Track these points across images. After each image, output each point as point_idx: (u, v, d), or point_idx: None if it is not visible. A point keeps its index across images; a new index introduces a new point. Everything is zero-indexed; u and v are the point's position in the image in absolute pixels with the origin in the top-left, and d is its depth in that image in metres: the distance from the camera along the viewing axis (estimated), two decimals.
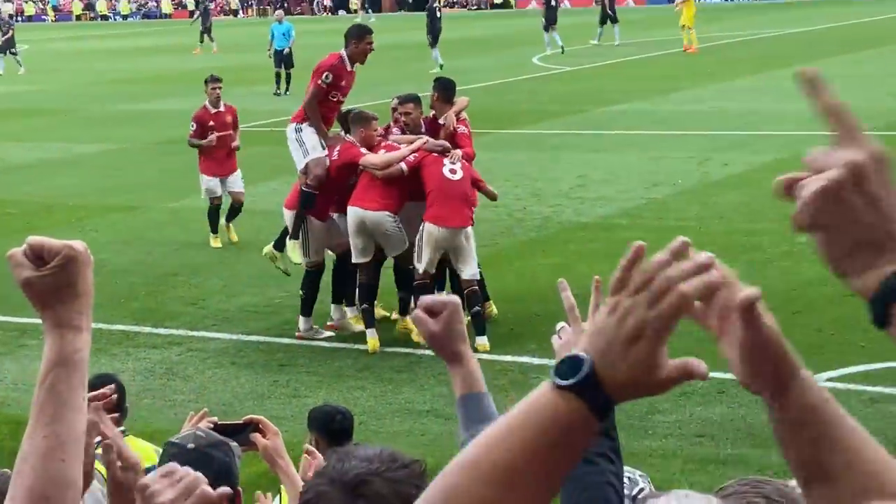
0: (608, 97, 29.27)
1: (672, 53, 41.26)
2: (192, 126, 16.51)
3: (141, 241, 16.58)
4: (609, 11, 44.72)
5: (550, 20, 43.00)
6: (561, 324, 2.91)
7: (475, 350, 11.26)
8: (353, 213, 11.63)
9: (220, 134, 16.35)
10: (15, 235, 17.08)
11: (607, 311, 1.55)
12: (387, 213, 11.59)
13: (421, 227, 11.52)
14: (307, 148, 12.10)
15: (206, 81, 16.97)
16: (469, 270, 11.59)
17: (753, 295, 1.58)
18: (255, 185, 19.84)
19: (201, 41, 51.65)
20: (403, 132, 12.04)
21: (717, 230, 15.47)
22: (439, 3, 43.58)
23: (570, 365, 1.54)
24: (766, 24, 53.34)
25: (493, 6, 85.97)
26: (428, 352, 11.59)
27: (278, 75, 34.09)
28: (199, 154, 16.59)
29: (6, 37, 45.98)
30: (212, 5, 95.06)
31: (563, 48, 41.88)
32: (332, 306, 12.24)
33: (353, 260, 11.80)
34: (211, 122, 16.44)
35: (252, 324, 12.65)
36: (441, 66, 36.93)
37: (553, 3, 43.80)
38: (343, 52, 12.63)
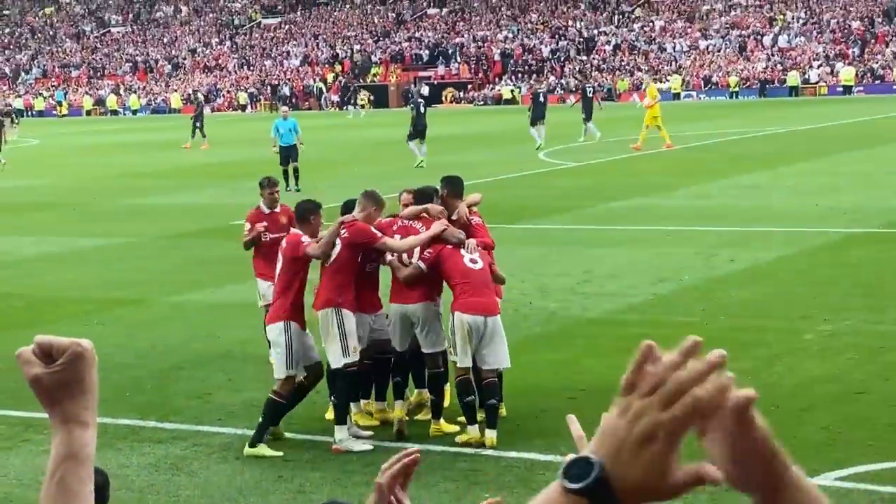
0: (614, 192, 29.38)
1: (678, 149, 41.49)
2: (246, 226, 15.15)
3: (146, 335, 16.56)
4: (584, 111, 46.55)
5: (537, 116, 43.95)
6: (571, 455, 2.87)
7: (483, 444, 11.26)
8: (396, 309, 11.79)
9: (274, 236, 14.68)
10: (21, 329, 17.12)
11: (618, 413, 1.53)
12: (427, 303, 11.74)
13: (451, 320, 11.56)
14: (292, 361, 11.70)
15: (261, 185, 15.40)
16: (493, 361, 11.60)
17: (750, 395, 1.56)
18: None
19: (203, 135, 51.91)
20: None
21: (722, 326, 15.44)
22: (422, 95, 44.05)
23: (580, 467, 1.52)
24: (770, 121, 53.72)
25: (499, 102, 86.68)
26: (434, 448, 11.53)
27: (286, 173, 32.93)
28: (253, 256, 15.40)
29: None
30: (218, 100, 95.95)
31: (541, 146, 43.01)
32: (336, 427, 11.67)
33: (394, 345, 11.87)
34: (264, 223, 15.10)
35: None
36: (422, 163, 37.01)
37: (541, 99, 44.65)
38: (301, 233, 12.18)
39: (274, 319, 11.84)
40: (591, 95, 45.91)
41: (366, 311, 11.98)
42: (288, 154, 33.56)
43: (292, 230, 12.47)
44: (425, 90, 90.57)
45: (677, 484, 1.51)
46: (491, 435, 11.36)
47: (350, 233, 11.75)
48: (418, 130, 38.74)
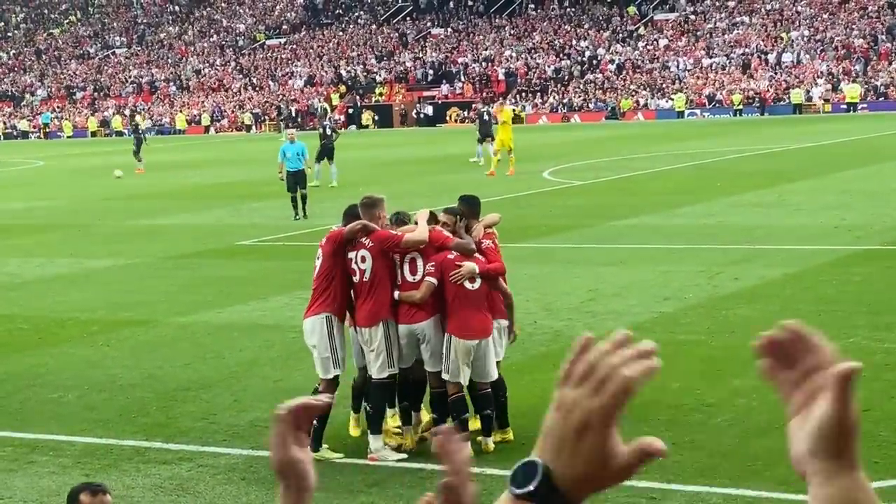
0: (618, 211, 29.40)
1: (681, 168, 41.52)
2: None
3: (152, 356, 16.58)
4: (480, 134, 47.17)
5: (485, 134, 45.39)
6: None
7: (482, 450, 11.26)
8: (403, 329, 11.75)
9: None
10: (27, 350, 17.16)
11: (555, 408, 1.54)
12: (436, 316, 11.75)
13: (447, 340, 11.61)
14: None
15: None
16: (483, 374, 11.73)
17: (855, 367, 1.56)
18: (266, 300, 19.91)
19: (138, 160, 51.57)
20: None
21: (727, 344, 15.44)
22: (330, 121, 45.26)
23: (524, 472, 1.53)
24: (774, 139, 53.75)
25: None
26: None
27: (294, 200, 31.42)
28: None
29: None
30: (223, 121, 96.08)
31: (480, 163, 44.93)
32: (372, 437, 11.86)
33: (401, 364, 11.84)
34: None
35: (263, 439, 12.57)
36: (331, 184, 37.84)
37: (486, 117, 46.52)
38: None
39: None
40: (487, 119, 47.25)
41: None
42: (296, 180, 31.75)
43: (334, 228, 12.50)
44: (429, 110, 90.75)
45: (623, 467, 1.51)
46: (488, 441, 11.51)
47: (375, 241, 11.80)
48: (325, 151, 40.06)
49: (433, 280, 11.68)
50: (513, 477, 1.53)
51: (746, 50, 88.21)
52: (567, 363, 1.54)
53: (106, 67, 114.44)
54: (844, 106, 77.48)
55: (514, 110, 46.93)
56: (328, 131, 40.99)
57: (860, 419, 1.57)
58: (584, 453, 1.50)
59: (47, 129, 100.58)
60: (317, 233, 13.17)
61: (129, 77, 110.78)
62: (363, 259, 11.86)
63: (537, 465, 1.52)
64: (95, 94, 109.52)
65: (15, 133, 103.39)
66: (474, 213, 12.47)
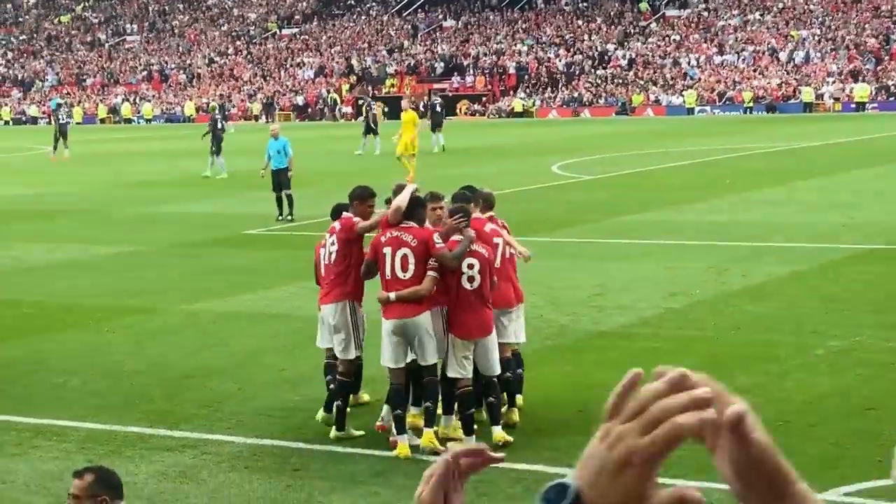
0: (626, 206, 29.37)
1: (690, 164, 41.47)
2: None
3: (157, 343, 16.59)
4: (372, 125, 50.56)
5: (437, 123, 50.05)
6: None
7: (497, 446, 11.21)
8: (393, 324, 11.55)
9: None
10: (33, 335, 17.18)
11: (599, 438, 1.54)
12: (434, 309, 11.58)
13: (449, 337, 11.59)
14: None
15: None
16: (489, 369, 11.68)
17: (740, 411, 1.56)
18: (272, 290, 19.91)
19: (54, 148, 52.38)
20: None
21: (733, 341, 15.42)
22: (221, 113, 46.55)
23: (556, 491, 1.53)
24: (784, 137, 53.66)
25: (513, 115, 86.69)
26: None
27: (279, 200, 29.26)
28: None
29: None
30: (232, 110, 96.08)
31: (444, 147, 48.91)
32: (385, 406, 12.00)
33: (383, 362, 11.76)
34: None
35: (266, 428, 12.60)
36: (224, 175, 40.50)
37: (438, 108, 51.91)
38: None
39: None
40: (374, 112, 51.52)
41: None
42: (279, 179, 29.44)
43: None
44: (435, 101, 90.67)
45: None
46: (497, 430, 11.47)
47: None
48: (219, 145, 41.99)
49: (436, 274, 11.54)
50: (545, 493, 1.53)
51: (758, 48, 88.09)
52: (616, 396, 1.54)
53: (116, 55, 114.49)
54: (854, 105, 77.36)
55: (421, 109, 48.88)
56: (219, 125, 42.97)
57: (767, 441, 1.56)
58: (621, 488, 1.50)
59: (80, 118, 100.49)
60: (326, 223, 13.18)
61: (140, 65, 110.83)
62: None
63: (569, 486, 1.51)
64: (106, 80, 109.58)
65: (24, 118, 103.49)
66: (490, 207, 12.89)
